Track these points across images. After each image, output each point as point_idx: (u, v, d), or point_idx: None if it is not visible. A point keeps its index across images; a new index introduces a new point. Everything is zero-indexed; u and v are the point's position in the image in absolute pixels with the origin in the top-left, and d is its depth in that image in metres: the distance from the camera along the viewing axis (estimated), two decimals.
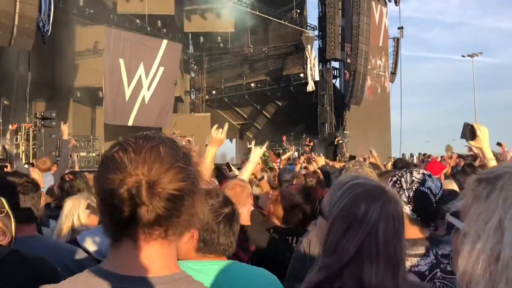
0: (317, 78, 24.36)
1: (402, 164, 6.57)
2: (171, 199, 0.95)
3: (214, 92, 30.76)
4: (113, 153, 0.99)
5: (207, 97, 31.09)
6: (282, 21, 24.35)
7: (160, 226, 0.96)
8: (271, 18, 24.24)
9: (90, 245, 2.51)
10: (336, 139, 22.79)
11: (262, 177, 4.73)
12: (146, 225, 0.95)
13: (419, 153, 21.90)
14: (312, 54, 24.35)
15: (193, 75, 31.47)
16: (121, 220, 0.94)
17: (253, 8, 22.87)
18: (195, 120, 26.25)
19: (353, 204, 1.25)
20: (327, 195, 1.32)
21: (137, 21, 23.10)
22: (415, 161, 20.33)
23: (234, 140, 31.98)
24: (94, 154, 20.58)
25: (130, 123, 21.48)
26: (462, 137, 2.24)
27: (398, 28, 30.46)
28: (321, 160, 6.79)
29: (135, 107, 21.47)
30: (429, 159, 12.44)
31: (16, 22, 14.42)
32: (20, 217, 2.01)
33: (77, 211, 2.94)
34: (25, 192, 2.24)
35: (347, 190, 1.28)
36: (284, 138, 22.72)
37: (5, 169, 5.52)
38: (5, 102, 16.12)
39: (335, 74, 26.58)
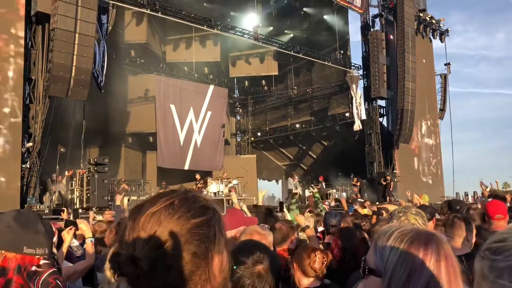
0: (363, 117, 24.13)
1: (457, 205, 6.27)
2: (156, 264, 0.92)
3: (259, 134, 31.06)
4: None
5: (252, 138, 31.41)
6: (326, 62, 24.54)
7: None
8: (314, 60, 24.51)
9: None
10: (386, 179, 22.21)
11: (307, 227, 4.55)
12: None
13: (474, 192, 20.92)
14: (357, 93, 24.26)
15: (238, 118, 32.02)
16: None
17: (297, 51, 23.25)
18: (241, 162, 26.47)
19: (410, 248, 1.19)
20: (372, 251, 1.25)
21: (185, 68, 24.05)
22: (470, 199, 19.40)
23: (280, 181, 31.86)
24: (145, 198, 20.93)
25: (186, 167, 22.20)
26: None
27: (445, 65, 29.93)
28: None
29: (189, 151, 22.20)
30: (486, 199, 11.80)
31: (73, 74, 15.33)
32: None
33: None
34: None
35: (397, 237, 1.22)
36: (322, 178, 22.30)
37: (62, 214, 5.73)
38: (61, 149, 16.97)
39: (382, 112, 26.24)
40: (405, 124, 24.31)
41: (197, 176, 20.66)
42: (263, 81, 29.04)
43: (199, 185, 20.53)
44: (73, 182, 17.23)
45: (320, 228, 5.96)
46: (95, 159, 17.30)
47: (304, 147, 30.25)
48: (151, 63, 23.26)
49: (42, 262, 1.58)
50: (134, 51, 22.31)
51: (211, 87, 23.58)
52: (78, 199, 16.83)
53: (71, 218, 5.55)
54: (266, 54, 26.48)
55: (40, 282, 1.58)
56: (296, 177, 21.83)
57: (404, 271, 1.18)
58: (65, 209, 5.69)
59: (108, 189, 17.02)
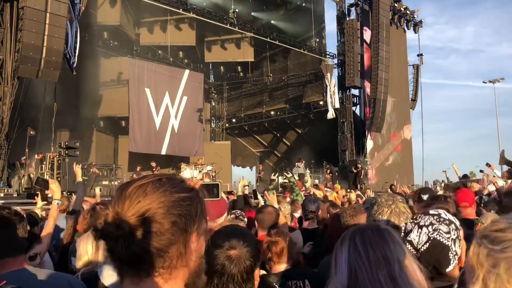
0: (337, 105, 24.37)
1: (426, 193, 6.43)
2: (136, 228, 0.95)
3: (234, 120, 31.00)
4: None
5: (227, 125, 31.33)
6: (302, 50, 24.58)
7: (141, 261, 0.96)
8: (290, 47, 24.51)
9: (107, 279, 2.45)
10: (357, 166, 22.56)
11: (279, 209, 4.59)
12: (125, 261, 0.96)
13: (443, 180, 21.50)
14: (332, 81, 24.43)
15: (213, 103, 31.84)
16: (114, 255, 0.97)
17: (273, 38, 23.20)
18: (216, 148, 26.41)
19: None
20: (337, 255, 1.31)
21: (159, 52, 23.68)
22: (438, 188, 19.93)
23: (254, 167, 31.98)
24: (116, 183, 20.75)
25: (163, 152, 22.02)
26: (500, 163, 2.22)
27: (418, 55, 30.43)
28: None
29: (166, 135, 22.00)
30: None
31: (43, 55, 14.91)
32: (3, 251, 2.00)
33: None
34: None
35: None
36: (302, 161, 22.01)
37: (36, 198, 5.61)
38: (31, 132, 16.51)
39: (355, 101, 26.55)
40: (377, 113, 24.69)
41: (153, 164, 20.46)
42: (239, 67, 28.91)
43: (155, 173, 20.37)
44: (43, 165, 16.84)
45: (297, 214, 5.99)
46: (66, 143, 16.95)
47: (278, 134, 30.39)
48: (125, 46, 22.79)
49: None
50: (107, 33, 21.80)
51: (187, 71, 23.34)
52: None
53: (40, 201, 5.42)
54: (242, 40, 26.32)
55: None
56: (303, 160, 21.39)
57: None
58: (39, 193, 5.54)
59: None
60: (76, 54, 17.28)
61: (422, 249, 1.70)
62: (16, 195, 14.35)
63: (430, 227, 1.72)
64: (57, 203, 3.96)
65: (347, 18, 25.50)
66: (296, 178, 9.90)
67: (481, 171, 7.68)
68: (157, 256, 0.96)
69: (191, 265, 1.01)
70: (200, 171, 22.54)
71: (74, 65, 17.39)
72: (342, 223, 2.96)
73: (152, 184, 1.00)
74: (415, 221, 1.77)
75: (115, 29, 22.09)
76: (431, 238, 1.70)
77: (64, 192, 14.43)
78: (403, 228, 1.85)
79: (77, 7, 17.00)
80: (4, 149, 15.84)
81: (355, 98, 26.55)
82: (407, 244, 1.71)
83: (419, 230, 1.73)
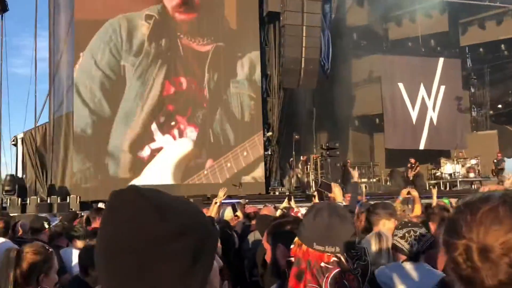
0: None
1: None
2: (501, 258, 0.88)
3: (500, 106, 27.41)
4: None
5: (491, 112, 27.95)
6: None
7: None
8: None
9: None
10: None
11: None
12: None
13: None
14: None
15: (473, 90, 28.89)
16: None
17: None
18: (480, 139, 23.92)
19: None
20: None
21: (409, 44, 22.93)
22: None
23: None
24: (374, 180, 21.05)
25: (421, 147, 21.51)
26: None
27: None
28: None
29: (424, 129, 21.41)
30: None
31: (302, 66, 16.32)
32: None
33: None
34: None
35: None
36: None
37: (313, 199, 6.12)
38: (296, 136, 18.30)
39: None
40: None
41: (412, 160, 19.59)
42: (502, 46, 25.40)
43: (413, 172, 19.47)
44: (308, 166, 18.40)
45: None
46: (327, 144, 18.13)
47: None
48: (374, 44, 22.91)
49: (332, 259, 1.64)
50: (356, 34, 22.32)
51: (441, 59, 21.98)
52: (313, 182, 17.92)
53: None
54: (506, 15, 23.10)
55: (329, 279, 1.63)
56: None
57: None
58: (315, 194, 6.08)
59: (341, 172, 17.60)
60: (329, 60, 18.30)
61: None
62: (287, 193, 15.99)
63: None
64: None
65: None
66: None
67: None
68: None
69: None
70: (463, 166, 20.83)
71: (328, 71, 18.45)
72: None
73: (503, 208, 0.93)
74: None
75: (364, 29, 22.43)
76: None
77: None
78: None
79: (328, 15, 18.01)
80: (276, 153, 18.00)
81: None
82: None
83: None
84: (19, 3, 40.48)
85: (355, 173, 5.37)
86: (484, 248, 0.91)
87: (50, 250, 2.20)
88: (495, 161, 19.78)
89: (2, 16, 15.19)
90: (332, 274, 1.53)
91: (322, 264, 1.55)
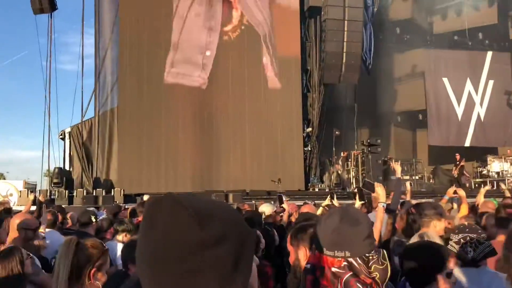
0: None
1: None
2: None
3: None
4: None
5: None
6: None
7: None
8: None
9: None
10: None
11: None
12: None
13: None
14: None
15: None
16: None
17: None
18: None
19: None
20: None
21: (455, 37, 22.17)
22: None
23: None
24: (417, 177, 20.53)
25: (467, 144, 20.86)
26: None
27: None
28: None
29: (470, 126, 20.75)
30: None
31: (344, 61, 16.10)
32: None
33: None
34: None
35: None
36: None
37: (355, 198, 6.04)
38: (336, 132, 18.10)
39: None
40: None
41: (457, 156, 18.91)
42: None
43: (456, 170, 18.77)
44: (348, 162, 18.17)
45: None
46: (368, 140, 17.82)
47: None
48: (418, 38, 22.26)
49: (343, 264, 1.62)
50: (400, 28, 21.78)
51: (489, 53, 21.12)
52: (354, 178, 17.69)
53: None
54: None
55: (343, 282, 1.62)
56: None
57: None
58: (357, 193, 5.99)
59: (382, 169, 17.29)
60: (371, 55, 17.96)
61: None
62: (327, 190, 15.85)
63: None
64: (383, 206, 4.17)
65: None
66: None
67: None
68: None
69: None
70: (511, 164, 20.01)
71: (370, 66, 18.12)
72: None
73: None
74: None
75: (407, 23, 21.85)
76: None
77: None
78: None
79: (370, 9, 17.67)
80: (316, 149, 17.87)
81: None
82: None
83: None
84: (68, 1, 41.93)
85: (397, 168, 5.14)
86: None
87: (107, 248, 2.26)
88: None
89: (51, 15, 15.79)
90: (344, 279, 1.52)
91: (333, 269, 1.54)
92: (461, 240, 2.62)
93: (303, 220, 3.00)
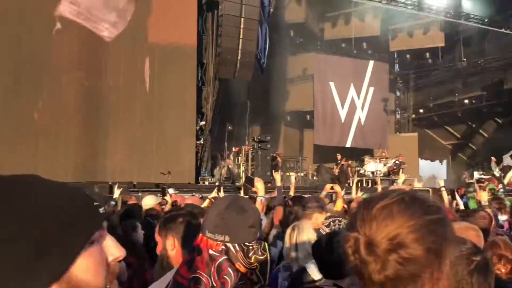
0: None
1: None
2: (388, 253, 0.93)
3: (421, 110, 29.19)
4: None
5: (413, 116, 29.69)
6: (503, 30, 21.76)
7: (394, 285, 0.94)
8: (489, 28, 21.93)
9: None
10: None
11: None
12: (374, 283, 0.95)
13: None
14: None
15: (398, 94, 30.51)
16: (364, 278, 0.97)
17: (468, 19, 21.06)
18: (401, 140, 25.32)
19: None
20: None
21: (343, 45, 23.71)
22: None
23: (444, 161, 29.70)
24: (302, 174, 21.60)
25: (348, 145, 22.29)
26: None
27: None
28: None
29: (352, 128, 22.22)
30: None
31: (239, 57, 16.30)
32: None
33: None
34: None
35: None
36: (495, 160, 20.01)
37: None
38: (229, 127, 18.30)
39: None
40: None
41: (338, 156, 20.39)
42: (427, 54, 27.00)
43: (337, 168, 20.29)
44: (239, 157, 18.48)
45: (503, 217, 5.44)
46: (258, 137, 18.29)
47: (473, 125, 27.54)
48: (309, 42, 23.44)
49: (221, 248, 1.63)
50: (293, 31, 22.72)
51: (371, 62, 22.95)
52: (243, 173, 18.04)
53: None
54: (431, 25, 24.55)
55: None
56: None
57: None
58: (242, 188, 6.12)
59: (270, 165, 17.87)
60: (266, 54, 18.43)
61: None
62: (217, 183, 15.95)
63: None
64: (261, 199, 4.34)
65: None
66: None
67: None
68: (410, 281, 0.94)
69: None
70: (384, 165, 21.93)
71: (264, 65, 18.58)
72: None
73: (397, 205, 0.97)
74: None
75: (301, 27, 22.87)
76: None
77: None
78: None
79: (267, 9, 18.09)
80: (207, 143, 17.89)
81: None
82: None
83: None
84: None
85: (277, 177, 5.52)
86: (370, 242, 0.95)
87: None
88: (397, 162, 20.72)
89: None
90: (217, 262, 1.52)
91: (210, 252, 1.53)
92: (331, 223, 2.97)
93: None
